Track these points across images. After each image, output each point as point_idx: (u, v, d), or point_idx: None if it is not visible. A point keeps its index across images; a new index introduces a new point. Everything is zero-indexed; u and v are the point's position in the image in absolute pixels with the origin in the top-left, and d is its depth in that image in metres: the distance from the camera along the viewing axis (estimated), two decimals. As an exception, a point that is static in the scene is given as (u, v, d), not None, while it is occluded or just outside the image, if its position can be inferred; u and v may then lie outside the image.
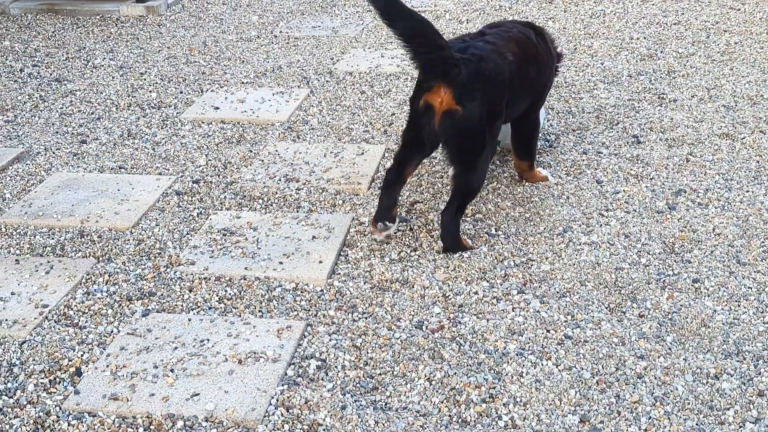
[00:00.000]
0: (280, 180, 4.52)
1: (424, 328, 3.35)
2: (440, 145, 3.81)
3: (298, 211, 4.23)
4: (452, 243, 3.81)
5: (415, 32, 3.45)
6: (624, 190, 4.43)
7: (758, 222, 4.10)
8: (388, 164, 4.50)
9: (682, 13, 7.47)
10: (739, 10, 7.47)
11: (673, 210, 4.24)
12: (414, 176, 4.61)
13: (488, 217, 4.19)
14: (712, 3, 7.73)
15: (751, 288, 3.59)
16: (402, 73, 6.22)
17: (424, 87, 3.59)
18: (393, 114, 5.50)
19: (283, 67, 6.47)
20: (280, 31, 7.43)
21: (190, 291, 3.58)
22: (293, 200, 4.34)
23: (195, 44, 7.10)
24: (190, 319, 3.35)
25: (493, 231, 4.06)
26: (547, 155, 4.84)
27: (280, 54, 6.81)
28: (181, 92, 5.97)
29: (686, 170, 4.64)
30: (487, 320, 3.39)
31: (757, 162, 4.72)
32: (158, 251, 3.91)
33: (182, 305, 3.49)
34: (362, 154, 4.84)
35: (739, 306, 3.48)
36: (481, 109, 3.62)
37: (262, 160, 4.76)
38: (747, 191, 4.39)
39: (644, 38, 6.89)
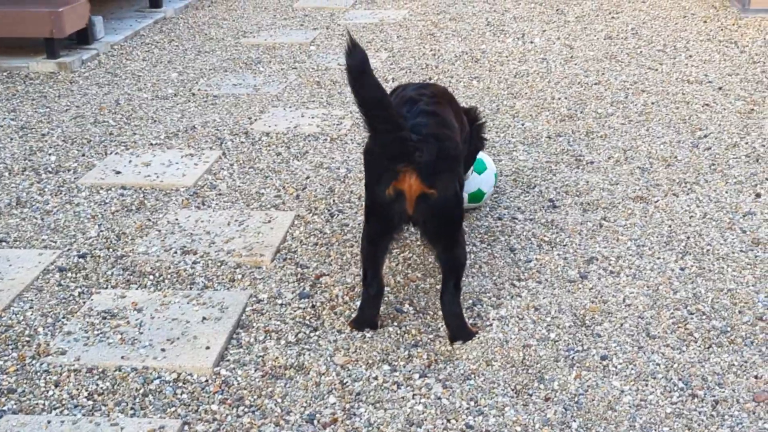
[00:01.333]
0: (176, 253, 4.29)
1: (315, 422, 3.13)
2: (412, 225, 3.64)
3: (191, 288, 4.00)
4: (460, 327, 3.62)
5: (377, 105, 3.28)
6: (536, 258, 4.31)
7: (668, 291, 4.00)
8: (297, 233, 4.33)
9: (603, 73, 7.48)
10: (656, 70, 7.51)
11: (585, 279, 4.12)
12: (322, 245, 4.44)
13: (397, 290, 4.02)
14: (631, 63, 7.77)
15: (659, 365, 3.47)
16: (321, 134, 6.07)
17: (389, 173, 3.39)
18: (308, 177, 5.34)
19: (197, 126, 6.28)
20: (199, 89, 7.25)
21: (56, 386, 3.31)
22: (187, 275, 4.12)
23: (106, 103, 6.87)
24: (49, 422, 3.06)
25: (402, 306, 3.89)
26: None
27: (195, 113, 6.62)
28: (83, 155, 5.73)
29: (599, 236, 4.54)
30: (385, 410, 3.20)
31: (669, 226, 4.64)
32: (27, 339, 3.63)
33: (44, 404, 3.21)
34: (269, 221, 4.65)
35: (646, 386, 3.35)
36: (453, 186, 3.53)
37: (160, 230, 4.54)
38: (658, 258, 4.30)
39: (565, 98, 6.86)
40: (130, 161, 5.53)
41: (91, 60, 8.06)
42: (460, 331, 3.64)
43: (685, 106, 6.57)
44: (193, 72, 7.81)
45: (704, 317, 3.81)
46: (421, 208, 3.48)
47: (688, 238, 4.51)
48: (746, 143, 5.82)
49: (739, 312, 3.84)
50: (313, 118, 6.42)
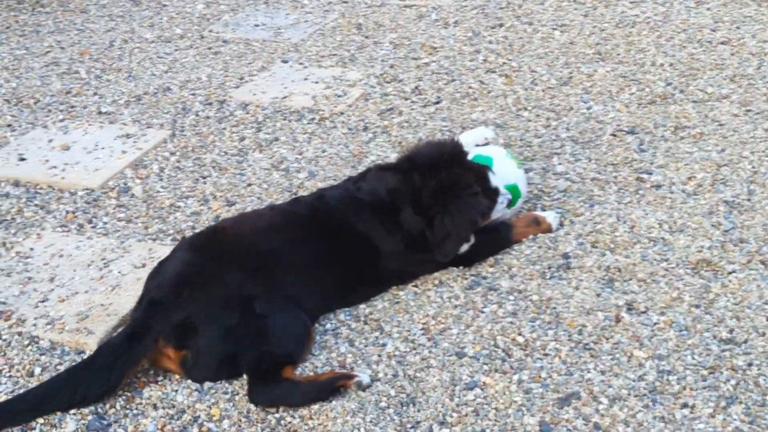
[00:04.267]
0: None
1: None
2: None
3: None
4: None
5: None
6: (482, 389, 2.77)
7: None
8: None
9: (738, 26, 5.48)
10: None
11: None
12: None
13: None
14: (783, 12, 5.68)
15: None
16: (311, 111, 4.62)
17: None
18: (250, 185, 3.94)
19: (172, 88, 4.97)
20: (211, 30, 5.92)
21: None
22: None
23: (97, 45, 5.69)
24: None
25: None
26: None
27: (184, 66, 5.32)
28: (8, 125, 4.57)
29: (603, 358, 2.93)
30: None
31: (731, 330, 2.95)
32: None
33: None
34: (145, 263, 3.32)
35: None
36: None
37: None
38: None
39: (669, 65, 5.02)
40: (50, 141, 4.34)
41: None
42: None
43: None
44: (226, 3, 6.44)
45: None
46: None
47: None
48: None
49: None
50: (316, 83, 4.96)
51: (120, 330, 2.81)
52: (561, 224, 3.55)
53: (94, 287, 3.20)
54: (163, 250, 3.33)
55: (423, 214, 3.12)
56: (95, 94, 4.97)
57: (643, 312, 3.04)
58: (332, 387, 2.69)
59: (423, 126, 4.43)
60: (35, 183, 3.97)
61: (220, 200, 3.83)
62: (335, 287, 3.08)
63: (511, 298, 3.15)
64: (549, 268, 3.30)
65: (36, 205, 3.82)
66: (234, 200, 3.83)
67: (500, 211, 3.37)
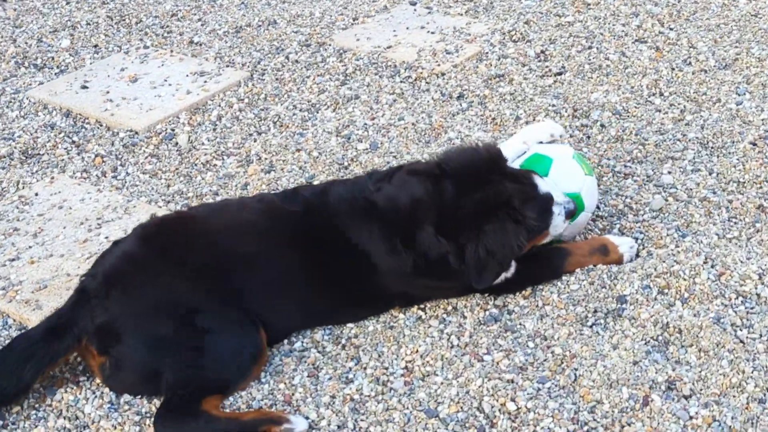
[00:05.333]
0: None
1: None
2: None
3: None
4: None
5: None
6: None
7: None
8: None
9: None
10: None
11: None
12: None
13: None
14: None
15: None
16: (411, 66, 4.07)
17: None
18: (298, 150, 3.48)
19: (278, 22, 4.57)
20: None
21: None
22: None
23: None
24: None
25: None
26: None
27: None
28: (95, 46, 4.35)
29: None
30: None
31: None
32: None
33: None
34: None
35: None
36: None
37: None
38: None
39: None
40: (122, 70, 4.09)
41: None
42: None
43: None
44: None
45: None
46: None
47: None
48: None
49: None
50: (432, 33, 4.38)
51: (43, 320, 2.46)
52: (637, 255, 2.83)
53: (72, 251, 2.90)
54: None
55: (448, 235, 2.52)
56: (200, 20, 4.64)
57: (685, 397, 2.33)
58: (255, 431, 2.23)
59: (528, 102, 3.75)
60: (85, 116, 3.72)
61: (260, 164, 3.40)
62: (316, 306, 2.59)
63: (530, 345, 2.53)
64: (594, 312, 2.62)
65: (72, 143, 3.57)
66: (273, 168, 3.38)
67: (558, 225, 2.71)
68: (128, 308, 2.34)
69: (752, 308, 2.60)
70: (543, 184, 2.65)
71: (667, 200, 3.09)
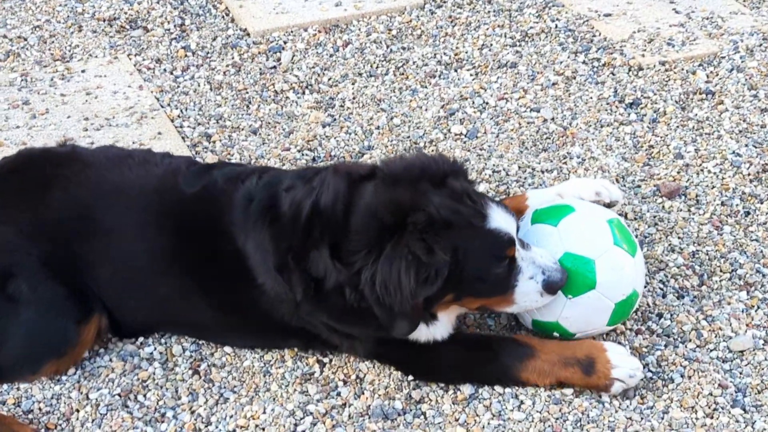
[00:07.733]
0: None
1: None
2: None
3: None
4: None
5: None
6: None
7: None
8: None
9: None
10: None
11: None
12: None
13: None
14: None
15: None
16: (623, 53, 3.10)
17: None
18: (349, 132, 2.81)
19: None
20: None
21: None
22: None
23: None
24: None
25: None
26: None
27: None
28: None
29: None
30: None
31: None
32: None
33: None
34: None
35: None
36: None
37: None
38: None
39: None
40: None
41: None
42: None
43: None
44: None
45: None
46: None
47: None
48: None
49: None
50: (690, 14, 3.30)
51: None
52: (634, 393, 1.87)
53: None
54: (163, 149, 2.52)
55: (343, 260, 1.79)
56: None
57: None
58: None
59: (716, 138, 2.66)
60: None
61: (328, 113, 2.77)
62: (184, 312, 2.02)
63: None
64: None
65: (181, 26, 3.20)
66: (335, 121, 2.75)
67: (526, 293, 1.85)
68: None
69: None
70: (500, 219, 1.78)
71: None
